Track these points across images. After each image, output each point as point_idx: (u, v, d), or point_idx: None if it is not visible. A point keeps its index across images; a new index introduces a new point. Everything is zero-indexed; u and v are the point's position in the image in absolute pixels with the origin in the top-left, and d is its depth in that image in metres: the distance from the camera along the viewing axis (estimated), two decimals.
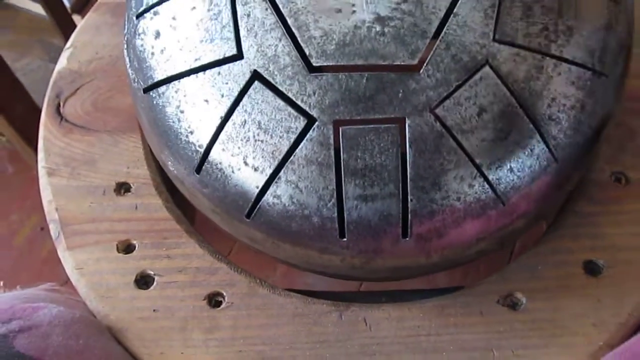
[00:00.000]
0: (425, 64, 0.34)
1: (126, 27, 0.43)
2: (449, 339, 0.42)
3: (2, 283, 0.49)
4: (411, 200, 0.36)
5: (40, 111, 1.01)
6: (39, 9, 1.16)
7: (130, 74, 0.42)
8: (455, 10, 0.35)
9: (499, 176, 0.36)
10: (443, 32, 0.35)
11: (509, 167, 0.36)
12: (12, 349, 0.38)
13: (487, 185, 0.36)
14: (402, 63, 0.34)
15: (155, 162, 0.50)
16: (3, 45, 0.91)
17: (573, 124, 0.37)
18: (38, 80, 1.06)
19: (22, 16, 1.17)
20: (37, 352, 0.38)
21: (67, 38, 1.04)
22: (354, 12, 0.35)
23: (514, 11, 0.35)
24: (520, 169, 0.36)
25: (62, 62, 0.56)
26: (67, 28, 1.04)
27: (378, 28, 0.35)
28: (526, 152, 0.36)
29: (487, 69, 0.35)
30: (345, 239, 0.37)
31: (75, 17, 1.11)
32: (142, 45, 0.40)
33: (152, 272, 0.45)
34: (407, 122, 0.35)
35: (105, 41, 0.56)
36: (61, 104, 0.53)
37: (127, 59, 0.42)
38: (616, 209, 0.47)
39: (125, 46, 0.43)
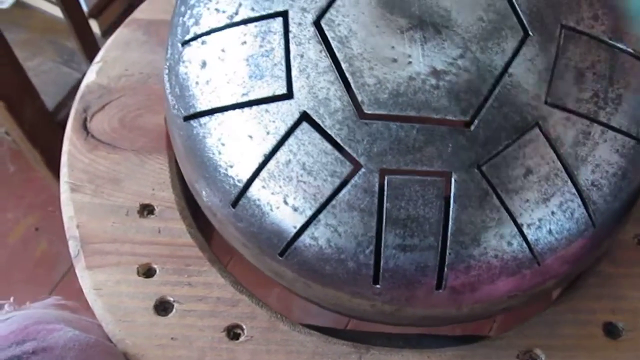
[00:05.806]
0: (476, 121, 0.35)
1: (169, 52, 0.42)
2: None
3: (12, 299, 0.48)
4: (449, 254, 0.35)
5: (49, 113, 1.00)
6: (54, 10, 1.15)
7: (170, 100, 0.42)
8: (510, 70, 0.35)
9: (537, 237, 0.36)
10: (497, 91, 0.35)
11: (548, 228, 0.36)
12: None
13: (525, 245, 0.36)
14: (454, 118, 0.35)
15: (181, 186, 0.49)
16: (16, 44, 0.90)
17: (613, 191, 0.37)
18: (49, 82, 1.05)
19: (37, 16, 1.16)
20: None
21: (82, 42, 1.04)
22: (409, 63, 0.35)
23: (567, 76, 0.36)
24: (558, 231, 0.36)
25: (91, 76, 0.55)
26: (83, 32, 1.03)
27: (433, 81, 0.35)
28: (566, 215, 0.36)
29: (536, 130, 0.35)
30: (378, 286, 0.37)
31: (92, 22, 1.11)
32: (186, 74, 0.40)
33: (172, 299, 0.44)
34: (454, 176, 0.35)
35: (135, 58, 0.56)
36: (88, 119, 0.52)
37: (167, 85, 0.42)
38: (638, 272, 0.47)
39: (167, 72, 0.42)
